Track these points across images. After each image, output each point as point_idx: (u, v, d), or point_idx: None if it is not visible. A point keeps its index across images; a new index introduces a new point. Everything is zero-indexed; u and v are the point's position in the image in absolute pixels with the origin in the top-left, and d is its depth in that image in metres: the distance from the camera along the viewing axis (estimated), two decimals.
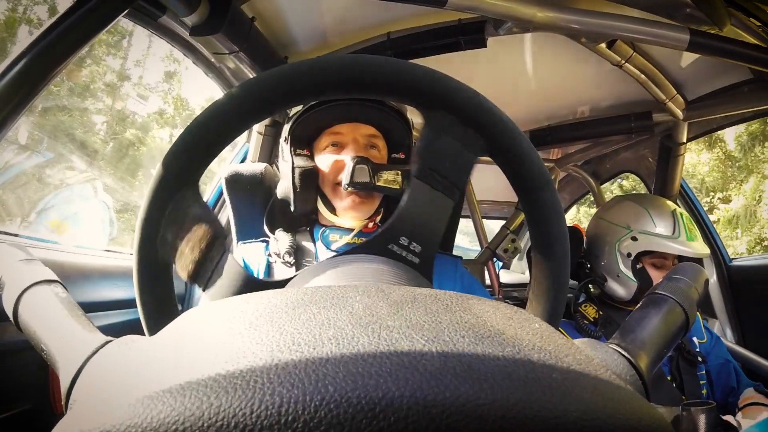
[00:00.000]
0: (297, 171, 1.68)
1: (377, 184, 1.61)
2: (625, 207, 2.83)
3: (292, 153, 1.71)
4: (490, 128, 0.82)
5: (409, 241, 0.85)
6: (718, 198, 20.85)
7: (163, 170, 0.77)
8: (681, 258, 2.66)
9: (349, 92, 0.79)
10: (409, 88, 0.79)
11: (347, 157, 1.66)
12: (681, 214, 2.67)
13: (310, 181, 1.69)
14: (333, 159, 1.71)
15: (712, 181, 21.13)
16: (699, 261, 3.22)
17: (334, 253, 1.08)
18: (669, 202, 2.78)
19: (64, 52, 1.55)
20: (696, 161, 21.41)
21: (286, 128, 1.75)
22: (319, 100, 1.63)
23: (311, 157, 1.74)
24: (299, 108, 1.72)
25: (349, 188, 1.62)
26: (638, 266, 2.65)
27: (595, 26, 2.24)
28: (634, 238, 2.65)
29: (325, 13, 2.56)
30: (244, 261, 1.77)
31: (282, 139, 1.78)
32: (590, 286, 2.82)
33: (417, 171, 0.85)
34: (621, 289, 2.70)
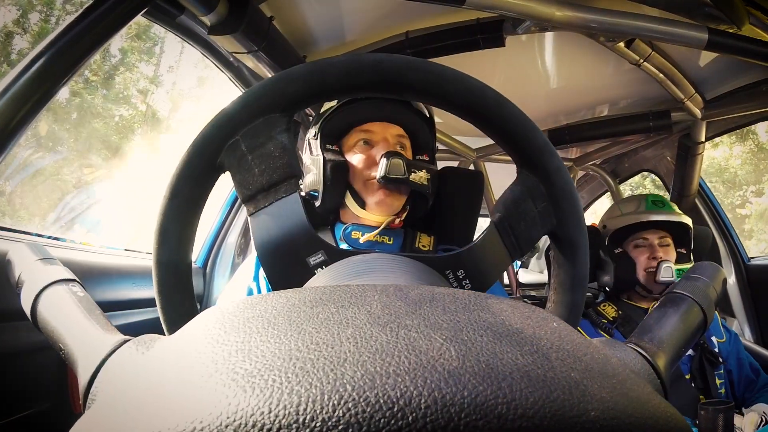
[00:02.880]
0: (329, 164, 1.67)
1: (410, 179, 1.62)
2: (605, 211, 3.00)
3: (322, 148, 1.71)
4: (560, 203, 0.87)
5: (465, 275, 0.90)
6: (751, 191, 20.57)
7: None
8: (680, 246, 2.75)
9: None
10: (519, 139, 0.85)
11: (380, 153, 1.66)
12: (647, 196, 2.81)
13: (340, 175, 1.68)
14: (365, 155, 1.71)
15: (745, 174, 20.85)
16: (717, 260, 3.21)
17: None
18: (644, 194, 2.89)
19: (83, 51, 1.56)
20: (728, 154, 21.09)
21: (316, 125, 1.75)
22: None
23: (341, 153, 1.73)
24: (332, 104, 1.73)
25: (383, 181, 1.61)
26: (617, 251, 2.78)
27: (613, 25, 2.24)
28: (604, 227, 2.83)
29: (344, 13, 2.57)
30: (257, 259, 1.75)
31: (311, 136, 1.78)
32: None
33: (498, 219, 0.90)
34: (606, 276, 2.81)
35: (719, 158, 20.32)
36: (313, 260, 0.86)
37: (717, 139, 3.42)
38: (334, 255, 0.86)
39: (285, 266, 0.86)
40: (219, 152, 0.81)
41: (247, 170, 0.81)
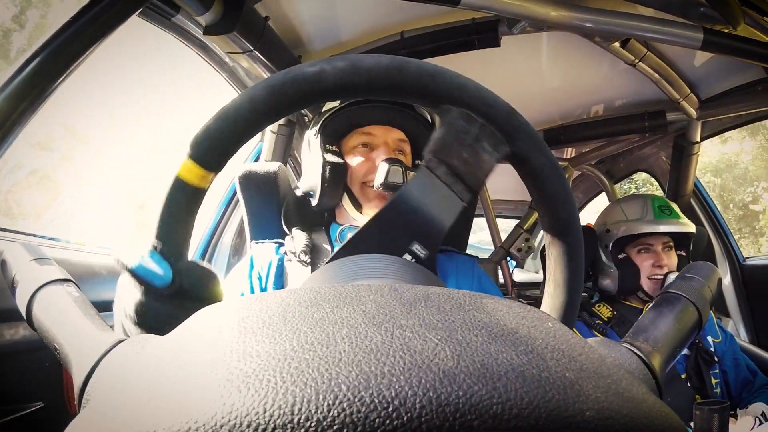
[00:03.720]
0: (328, 167, 1.68)
1: None
2: (605, 210, 2.99)
3: (322, 148, 1.72)
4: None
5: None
6: (763, 187, 20.29)
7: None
8: (677, 247, 2.76)
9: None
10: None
11: (379, 158, 1.68)
12: (652, 199, 2.77)
13: (338, 177, 1.69)
14: (364, 158, 1.72)
15: (756, 169, 20.56)
16: (712, 260, 3.22)
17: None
18: (645, 194, 2.88)
19: (77, 51, 1.55)
20: (739, 149, 20.80)
21: (318, 123, 1.75)
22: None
23: (340, 154, 1.74)
24: (334, 104, 1.74)
25: (382, 187, 1.63)
26: (620, 256, 2.75)
27: (608, 25, 2.24)
28: (608, 230, 2.79)
29: (339, 13, 2.57)
30: (251, 260, 1.76)
31: (312, 133, 1.78)
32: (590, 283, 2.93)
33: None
34: (608, 281, 2.80)
35: (729, 153, 20.08)
36: (414, 247, 0.83)
37: (726, 134, 3.42)
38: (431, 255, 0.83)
39: (395, 227, 0.84)
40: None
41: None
